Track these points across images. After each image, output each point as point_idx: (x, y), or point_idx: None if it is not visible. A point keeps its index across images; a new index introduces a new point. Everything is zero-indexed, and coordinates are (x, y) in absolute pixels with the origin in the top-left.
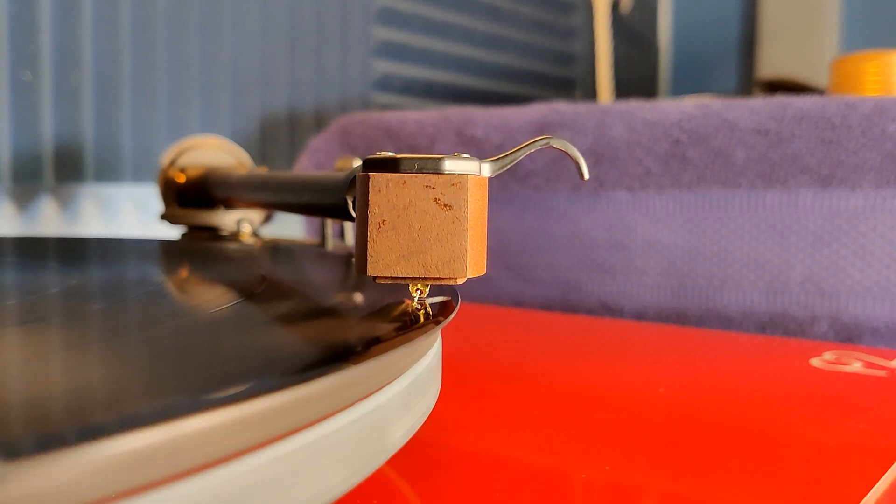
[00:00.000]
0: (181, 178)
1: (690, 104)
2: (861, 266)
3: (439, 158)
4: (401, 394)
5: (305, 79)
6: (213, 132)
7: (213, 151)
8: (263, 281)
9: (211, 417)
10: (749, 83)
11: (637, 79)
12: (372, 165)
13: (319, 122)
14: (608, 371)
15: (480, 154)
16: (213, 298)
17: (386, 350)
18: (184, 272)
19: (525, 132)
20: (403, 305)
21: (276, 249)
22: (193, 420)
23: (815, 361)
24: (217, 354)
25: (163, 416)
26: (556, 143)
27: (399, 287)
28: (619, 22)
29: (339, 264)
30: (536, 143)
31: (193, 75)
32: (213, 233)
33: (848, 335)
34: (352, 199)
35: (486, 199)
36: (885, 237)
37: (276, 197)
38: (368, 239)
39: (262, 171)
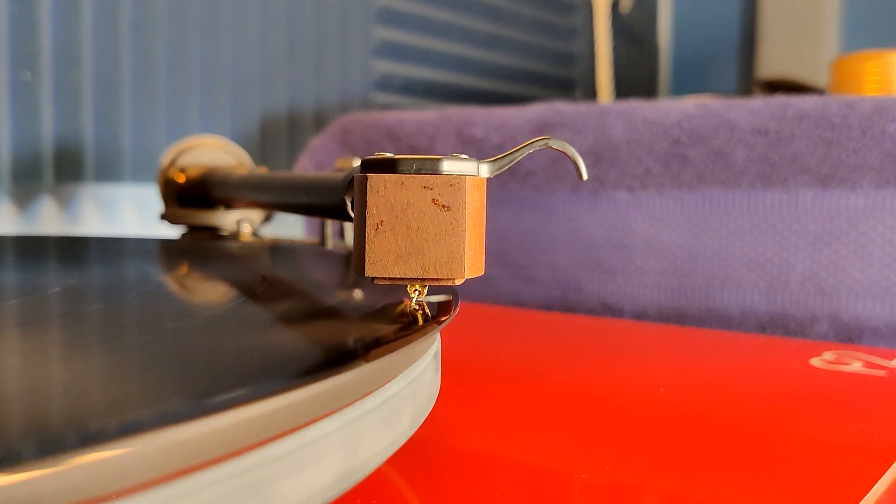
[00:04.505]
0: (181, 178)
1: (690, 104)
2: (861, 266)
3: (437, 159)
4: (401, 393)
5: (305, 79)
6: (213, 132)
7: (213, 151)
8: (263, 281)
9: (211, 421)
10: (749, 83)
11: (637, 79)
12: (370, 166)
13: (319, 122)
14: (608, 371)
15: (480, 154)
16: (213, 298)
17: (386, 352)
18: (184, 272)
19: (525, 132)
20: (402, 306)
21: (276, 249)
22: (194, 423)
23: (815, 361)
24: (216, 355)
25: (163, 418)
26: (555, 144)
27: (399, 287)
28: (619, 22)
29: (338, 264)
30: (535, 144)
31: (193, 75)
32: (213, 233)
33: (848, 335)
34: (350, 199)
35: (485, 200)
36: (885, 237)
37: (276, 197)
38: (366, 240)
39: (262, 171)
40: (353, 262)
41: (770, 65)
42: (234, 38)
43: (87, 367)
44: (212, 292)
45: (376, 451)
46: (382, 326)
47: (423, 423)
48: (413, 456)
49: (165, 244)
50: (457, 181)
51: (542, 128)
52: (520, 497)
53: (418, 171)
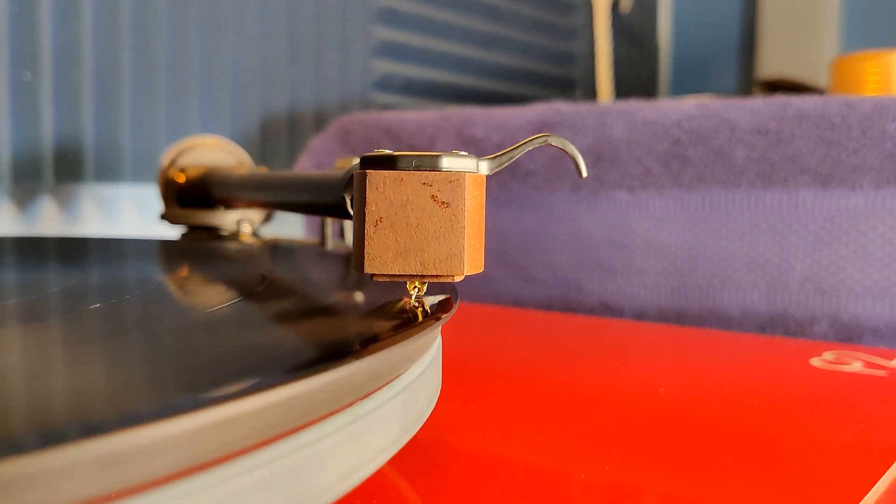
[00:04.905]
0: (181, 178)
1: (690, 104)
2: (861, 266)
3: (437, 156)
4: (401, 393)
5: (305, 79)
6: (213, 132)
7: (213, 151)
8: (263, 280)
9: (210, 415)
10: (749, 83)
11: (637, 79)
12: (369, 163)
13: (319, 122)
14: (608, 371)
15: (480, 154)
16: (212, 297)
17: (384, 348)
18: (184, 272)
19: (525, 132)
20: (402, 303)
21: (276, 249)
22: (193, 418)
23: (815, 361)
24: (216, 353)
25: (162, 413)
26: (554, 141)
27: (400, 286)
28: (619, 22)
29: (338, 263)
30: (535, 141)
31: (193, 75)
32: (213, 233)
33: (848, 335)
34: (350, 197)
35: (484, 197)
36: (885, 237)
37: (276, 196)
38: (366, 236)
39: (262, 171)
40: (352, 259)
41: (770, 65)
42: (234, 38)
43: (86, 363)
44: (211, 292)
45: (377, 450)
46: (381, 323)
47: (423, 423)
48: (413, 456)
49: (165, 244)
50: (456, 178)
51: (542, 128)
52: (520, 497)
53: (417, 168)
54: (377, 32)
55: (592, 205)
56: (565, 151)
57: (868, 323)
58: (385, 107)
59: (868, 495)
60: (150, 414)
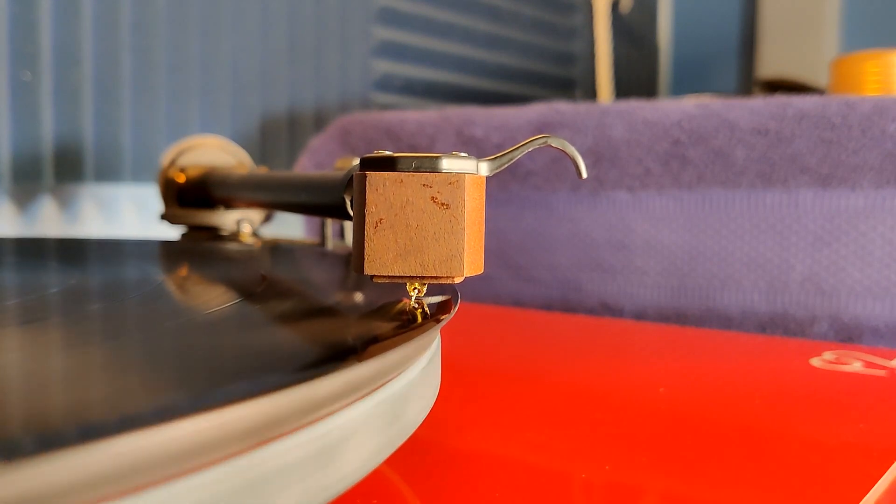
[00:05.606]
0: (181, 178)
1: (690, 104)
2: (861, 266)
3: (436, 157)
4: (400, 393)
5: (305, 79)
6: (213, 132)
7: (213, 151)
8: (263, 281)
9: (210, 417)
10: (749, 83)
11: (637, 79)
12: (369, 164)
13: (319, 122)
14: (608, 371)
15: (481, 154)
16: (212, 298)
17: (384, 350)
18: (184, 272)
19: (525, 132)
20: (401, 304)
21: (276, 249)
22: (192, 420)
23: (815, 361)
24: (216, 354)
25: (162, 415)
26: (554, 142)
27: (399, 287)
28: (619, 22)
29: (338, 264)
30: (534, 142)
31: (193, 75)
32: (213, 233)
33: (848, 335)
34: (350, 198)
35: (484, 198)
36: (885, 237)
37: (276, 196)
38: (365, 238)
39: (262, 171)
40: (352, 260)
41: (770, 65)
42: (234, 38)
43: (86, 365)
44: (211, 292)
45: (375, 451)
46: (381, 324)
47: (423, 423)
48: (413, 456)
49: (165, 244)
50: (456, 179)
51: (542, 128)
52: (520, 497)
53: (417, 169)
54: (377, 32)
55: (592, 205)
56: (565, 152)
57: (868, 323)
58: (385, 107)
59: (868, 495)
60: (148, 416)
